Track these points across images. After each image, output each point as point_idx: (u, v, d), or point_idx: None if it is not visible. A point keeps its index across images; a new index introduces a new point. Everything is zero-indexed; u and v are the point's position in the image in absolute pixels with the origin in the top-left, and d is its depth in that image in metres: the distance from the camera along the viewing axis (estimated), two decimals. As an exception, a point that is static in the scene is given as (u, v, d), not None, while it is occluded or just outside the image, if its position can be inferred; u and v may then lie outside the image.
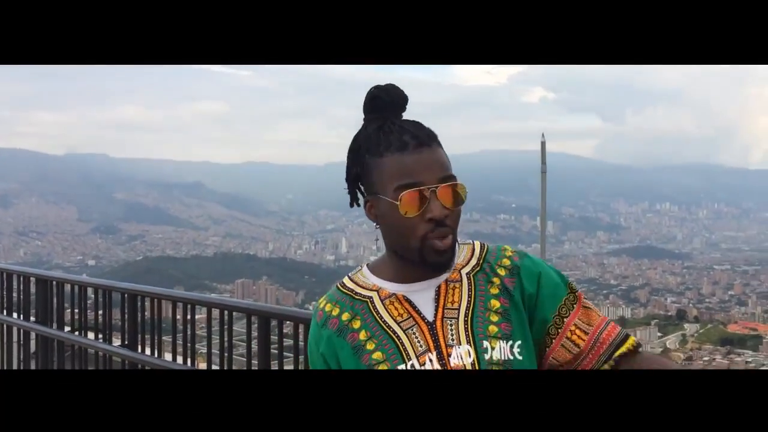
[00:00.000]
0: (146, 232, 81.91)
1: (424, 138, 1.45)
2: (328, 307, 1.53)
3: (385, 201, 1.44)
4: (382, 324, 1.46)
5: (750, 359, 34.70)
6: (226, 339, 3.06)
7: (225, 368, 3.11)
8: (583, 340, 1.48)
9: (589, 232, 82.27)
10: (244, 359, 3.07)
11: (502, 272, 1.50)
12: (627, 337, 1.50)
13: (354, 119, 1.54)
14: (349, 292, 1.53)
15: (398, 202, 1.41)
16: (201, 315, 3.35)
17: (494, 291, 1.48)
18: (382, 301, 1.49)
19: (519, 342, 1.45)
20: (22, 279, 4.43)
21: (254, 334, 2.99)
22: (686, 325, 43.42)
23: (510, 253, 1.53)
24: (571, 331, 1.48)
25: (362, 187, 1.53)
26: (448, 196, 1.42)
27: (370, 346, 1.45)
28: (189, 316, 3.25)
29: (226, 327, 3.04)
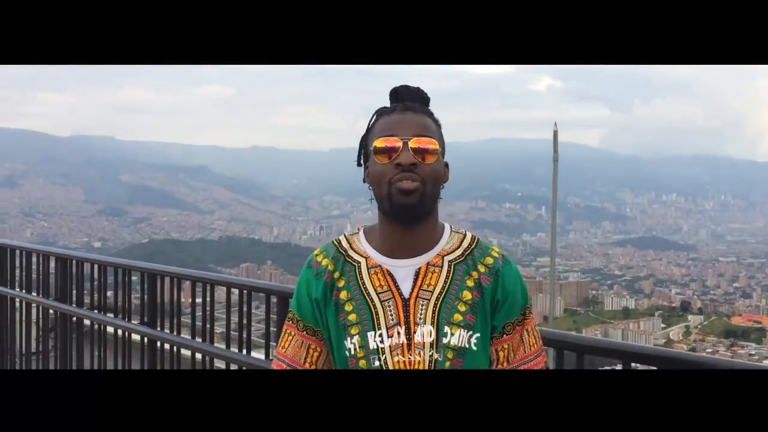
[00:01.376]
0: (152, 215, 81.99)
1: (412, 106, 1.62)
2: (324, 262, 1.67)
3: (371, 158, 1.60)
4: (363, 290, 1.61)
5: (753, 352, 34.70)
6: (245, 319, 3.11)
7: (243, 348, 3.16)
8: (502, 362, 1.63)
9: (594, 222, 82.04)
10: (262, 341, 3.14)
11: (481, 269, 1.62)
12: None
13: (359, 105, 1.62)
14: (343, 253, 1.67)
15: (373, 153, 1.57)
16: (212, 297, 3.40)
17: (470, 283, 1.60)
18: (368, 269, 1.63)
19: (478, 335, 1.58)
20: (42, 257, 4.49)
21: (273, 316, 3.05)
22: (690, 317, 43.39)
23: (496, 254, 1.65)
24: (502, 347, 1.63)
25: (365, 159, 1.66)
26: (420, 151, 1.55)
27: (348, 307, 1.60)
28: (209, 297, 3.30)
29: (245, 307, 3.09)
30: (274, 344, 3.10)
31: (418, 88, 1.67)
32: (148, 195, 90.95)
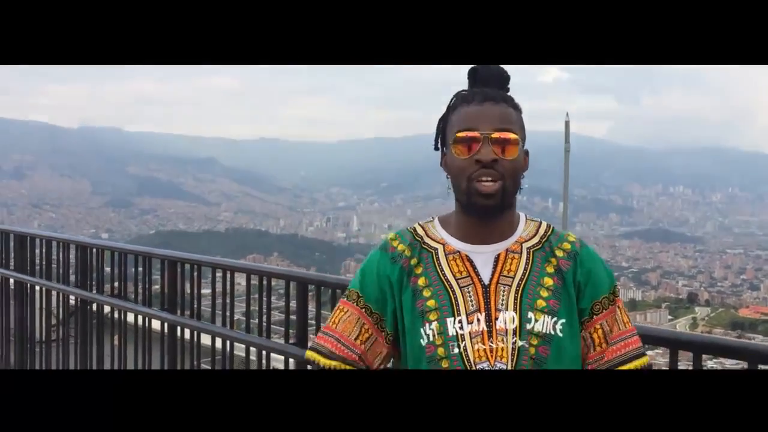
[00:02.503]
0: (159, 207, 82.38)
1: (492, 95, 1.57)
2: (400, 247, 1.63)
3: (450, 148, 1.57)
4: (442, 276, 1.57)
5: (761, 344, 34.67)
6: (264, 306, 3.18)
7: (262, 333, 3.24)
8: (599, 344, 1.59)
9: (601, 214, 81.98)
10: (282, 328, 3.20)
11: (560, 254, 1.60)
12: (641, 355, 1.61)
13: (366, 97, 1.64)
14: (419, 239, 1.63)
15: (452, 144, 1.55)
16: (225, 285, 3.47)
17: (550, 270, 1.58)
18: (446, 255, 1.60)
19: (563, 320, 1.54)
20: (62, 245, 4.57)
21: (292, 303, 3.12)
22: (697, 309, 43.38)
23: (572, 239, 1.63)
24: (594, 328, 1.59)
25: (443, 145, 1.64)
26: (500, 144, 1.52)
27: (426, 293, 1.56)
28: (228, 283, 3.38)
29: (264, 293, 3.16)
30: (293, 331, 3.20)
31: (498, 67, 1.63)
32: (155, 186, 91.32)
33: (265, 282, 3.17)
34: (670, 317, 41.22)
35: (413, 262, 1.60)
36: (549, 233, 1.64)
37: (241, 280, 3.45)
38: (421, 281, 1.58)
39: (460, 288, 1.56)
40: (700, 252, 61.86)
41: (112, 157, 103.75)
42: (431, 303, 1.55)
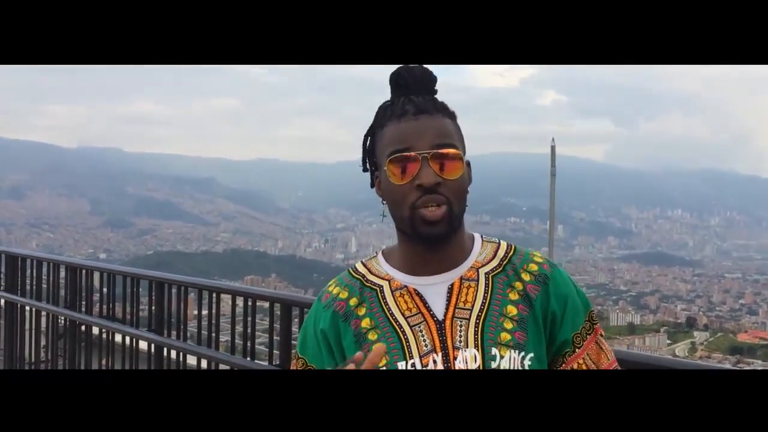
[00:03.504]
0: (157, 227, 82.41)
1: (425, 106, 1.38)
2: (335, 290, 1.46)
3: (384, 171, 1.38)
4: (389, 316, 1.39)
5: (760, 369, 34.58)
6: (249, 327, 3.21)
7: (246, 355, 3.25)
8: None
9: (599, 237, 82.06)
10: (266, 350, 3.22)
11: (526, 277, 1.42)
12: None
13: (366, 118, 1.48)
14: (360, 278, 1.46)
15: (387, 166, 1.36)
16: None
17: (513, 297, 1.39)
18: (392, 292, 1.41)
19: (531, 355, 1.36)
20: (52, 266, 4.60)
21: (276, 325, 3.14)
22: (696, 333, 43.28)
23: (539, 260, 1.45)
24: (578, 363, 1.42)
25: (373, 166, 1.46)
26: (441, 163, 1.34)
27: (372, 336, 1.38)
28: (214, 305, 3.40)
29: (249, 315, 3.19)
30: (277, 352, 3.21)
31: (423, 68, 1.43)
32: (154, 207, 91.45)
33: (250, 303, 3.20)
34: (668, 341, 41.08)
35: (352, 302, 1.42)
36: (510, 254, 1.45)
37: (232, 301, 3.48)
38: (364, 323, 1.39)
39: (411, 327, 1.37)
40: (699, 276, 61.80)
41: (110, 176, 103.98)
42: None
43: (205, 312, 3.50)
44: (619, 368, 1.47)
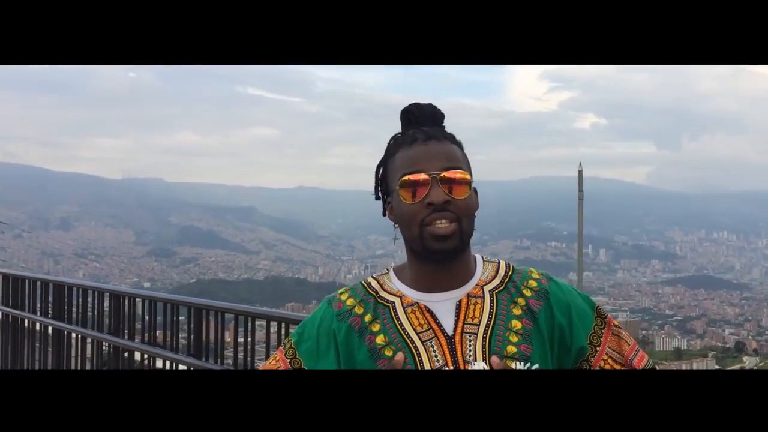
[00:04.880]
0: (199, 256, 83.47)
1: (434, 134, 1.47)
2: (350, 302, 1.51)
3: (395, 194, 1.46)
4: (402, 332, 1.45)
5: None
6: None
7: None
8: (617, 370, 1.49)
9: (642, 261, 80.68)
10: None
11: (528, 293, 1.49)
12: (652, 366, 1.54)
13: None
14: (374, 294, 1.52)
15: (399, 189, 1.44)
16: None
17: (517, 312, 1.47)
18: (404, 308, 1.48)
19: (537, 366, 1.42)
20: (97, 294, 4.79)
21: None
22: (745, 358, 42.22)
23: (537, 276, 1.53)
24: (604, 360, 1.49)
25: (385, 194, 1.54)
26: (450, 183, 1.42)
27: (387, 352, 1.43)
28: (249, 329, 3.51)
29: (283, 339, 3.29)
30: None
31: (430, 105, 1.54)
32: (196, 236, 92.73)
33: (284, 329, 3.30)
34: (716, 367, 40.10)
35: (367, 318, 1.48)
36: (510, 273, 1.53)
37: (267, 327, 3.57)
38: (379, 339, 1.45)
39: (423, 342, 1.43)
40: (747, 299, 60.36)
41: (154, 207, 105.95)
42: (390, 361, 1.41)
43: (242, 339, 3.61)
44: (641, 351, 1.53)
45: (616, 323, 1.54)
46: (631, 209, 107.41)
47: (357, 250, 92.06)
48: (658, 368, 1.57)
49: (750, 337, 48.80)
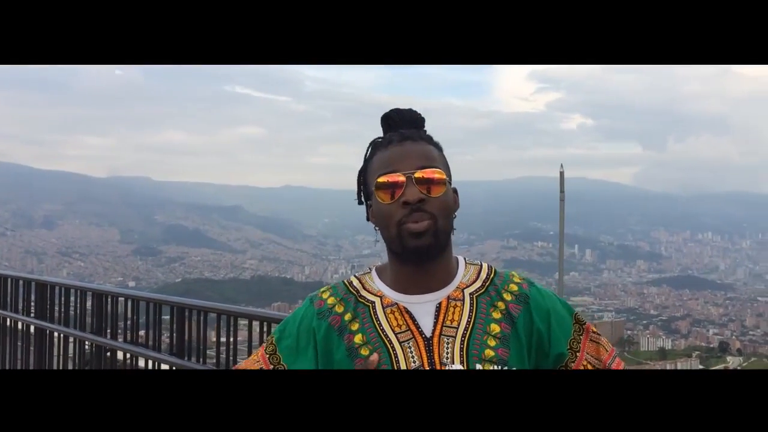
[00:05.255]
0: (185, 255, 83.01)
1: (410, 135, 1.48)
2: (331, 301, 1.52)
3: (373, 196, 1.47)
4: (380, 332, 1.46)
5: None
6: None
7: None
8: None
9: (628, 261, 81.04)
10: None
11: (508, 297, 1.50)
12: None
13: None
14: (355, 293, 1.52)
15: (375, 191, 1.45)
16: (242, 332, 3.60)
17: (496, 315, 1.47)
18: (383, 308, 1.48)
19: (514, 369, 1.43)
20: (79, 293, 4.75)
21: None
22: (729, 358, 42.60)
23: (518, 280, 1.54)
24: (583, 365, 1.50)
25: (367, 198, 1.54)
26: (425, 183, 1.42)
27: (364, 352, 1.44)
28: (232, 329, 3.50)
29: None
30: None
31: (410, 109, 1.55)
32: (182, 235, 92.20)
33: (266, 329, 3.30)
34: (701, 367, 40.40)
35: (347, 317, 1.48)
36: (492, 276, 1.53)
37: (249, 326, 3.56)
38: (357, 338, 1.46)
39: (400, 343, 1.44)
40: (731, 300, 60.82)
41: (139, 205, 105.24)
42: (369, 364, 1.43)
43: (225, 338, 3.60)
44: (618, 358, 1.55)
45: (594, 329, 1.55)
46: (617, 210, 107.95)
47: (344, 249, 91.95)
48: (641, 368, 1.59)
49: (734, 337, 49.20)
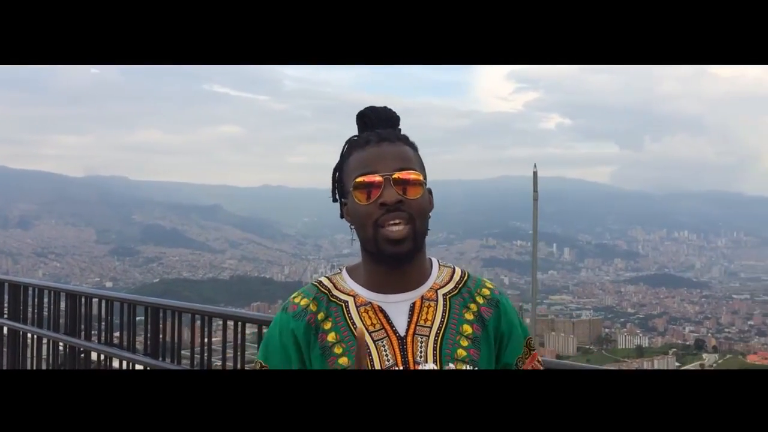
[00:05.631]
0: (163, 255, 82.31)
1: (388, 135, 1.50)
2: (304, 302, 1.53)
3: (350, 195, 1.48)
4: (354, 331, 1.46)
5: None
6: (239, 349, 3.29)
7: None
8: None
9: (606, 260, 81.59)
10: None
11: (480, 300, 1.54)
12: None
13: None
14: (326, 292, 1.53)
15: (353, 191, 1.46)
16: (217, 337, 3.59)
17: (469, 317, 1.50)
18: (357, 307, 1.50)
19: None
20: (53, 294, 4.71)
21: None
22: (705, 355, 43.09)
23: (490, 286, 1.58)
24: None
25: (342, 196, 1.56)
26: (403, 184, 1.44)
27: (337, 350, 1.46)
28: (206, 328, 3.49)
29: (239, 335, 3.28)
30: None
31: (385, 108, 1.56)
32: (160, 234, 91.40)
33: (240, 327, 3.30)
34: (677, 364, 40.79)
35: (320, 317, 1.50)
36: (465, 279, 1.57)
37: (223, 326, 3.56)
38: (330, 337, 1.47)
39: (374, 342, 1.45)
40: (707, 297, 61.43)
41: (117, 205, 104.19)
42: (343, 360, 1.45)
43: (200, 339, 3.59)
44: None
45: (539, 359, 1.62)
46: (595, 208, 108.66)
47: (323, 249, 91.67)
48: (619, 366, 1.62)
49: (710, 334, 49.75)
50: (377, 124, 1.53)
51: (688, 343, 47.97)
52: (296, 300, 1.54)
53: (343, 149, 1.55)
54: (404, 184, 1.44)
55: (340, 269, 1.59)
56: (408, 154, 1.50)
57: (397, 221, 1.42)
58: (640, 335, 49.84)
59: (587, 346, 47.24)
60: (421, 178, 1.47)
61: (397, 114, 1.57)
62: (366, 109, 1.56)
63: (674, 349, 45.20)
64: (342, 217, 1.55)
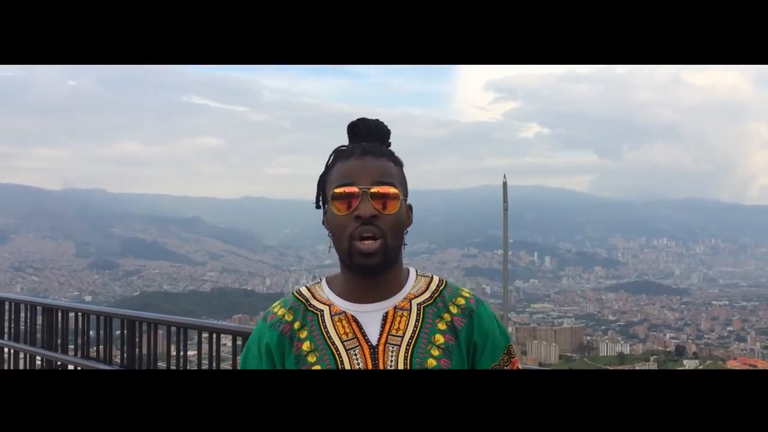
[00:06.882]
0: (143, 267, 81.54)
1: (371, 149, 1.53)
2: (281, 312, 1.57)
3: (329, 205, 1.51)
4: (327, 339, 1.50)
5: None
6: (215, 359, 3.32)
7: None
8: None
9: (586, 268, 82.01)
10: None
11: (454, 310, 1.55)
12: None
13: None
14: (304, 302, 1.57)
15: (331, 200, 1.50)
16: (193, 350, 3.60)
17: (442, 326, 1.52)
18: (332, 316, 1.53)
19: None
20: (29, 308, 4.70)
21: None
22: (685, 362, 43.26)
23: (467, 295, 1.58)
24: None
25: (325, 203, 1.58)
26: (380, 198, 1.47)
27: (311, 359, 1.49)
28: (181, 340, 3.51)
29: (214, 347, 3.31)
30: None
31: (377, 121, 1.59)
32: (140, 247, 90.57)
33: (215, 338, 3.32)
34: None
35: (296, 326, 1.54)
36: (442, 288, 1.58)
37: (198, 337, 3.57)
38: (305, 346, 1.51)
39: (347, 350, 1.49)
40: (687, 304, 61.87)
41: (96, 218, 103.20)
42: (317, 369, 1.48)
43: (183, 350, 3.60)
44: None
45: (519, 367, 1.61)
46: (575, 217, 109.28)
47: (305, 260, 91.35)
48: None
49: (690, 340, 50.07)
50: (366, 136, 1.56)
51: (669, 349, 48.23)
52: (275, 309, 1.58)
53: (329, 158, 1.57)
54: (382, 198, 1.47)
55: (320, 279, 1.63)
56: (389, 169, 1.52)
57: (369, 234, 1.45)
58: (622, 342, 50.03)
59: (569, 354, 47.39)
60: (398, 192, 1.50)
61: (388, 128, 1.60)
62: (357, 120, 1.59)
63: (655, 356, 45.42)
64: (323, 223, 1.58)
